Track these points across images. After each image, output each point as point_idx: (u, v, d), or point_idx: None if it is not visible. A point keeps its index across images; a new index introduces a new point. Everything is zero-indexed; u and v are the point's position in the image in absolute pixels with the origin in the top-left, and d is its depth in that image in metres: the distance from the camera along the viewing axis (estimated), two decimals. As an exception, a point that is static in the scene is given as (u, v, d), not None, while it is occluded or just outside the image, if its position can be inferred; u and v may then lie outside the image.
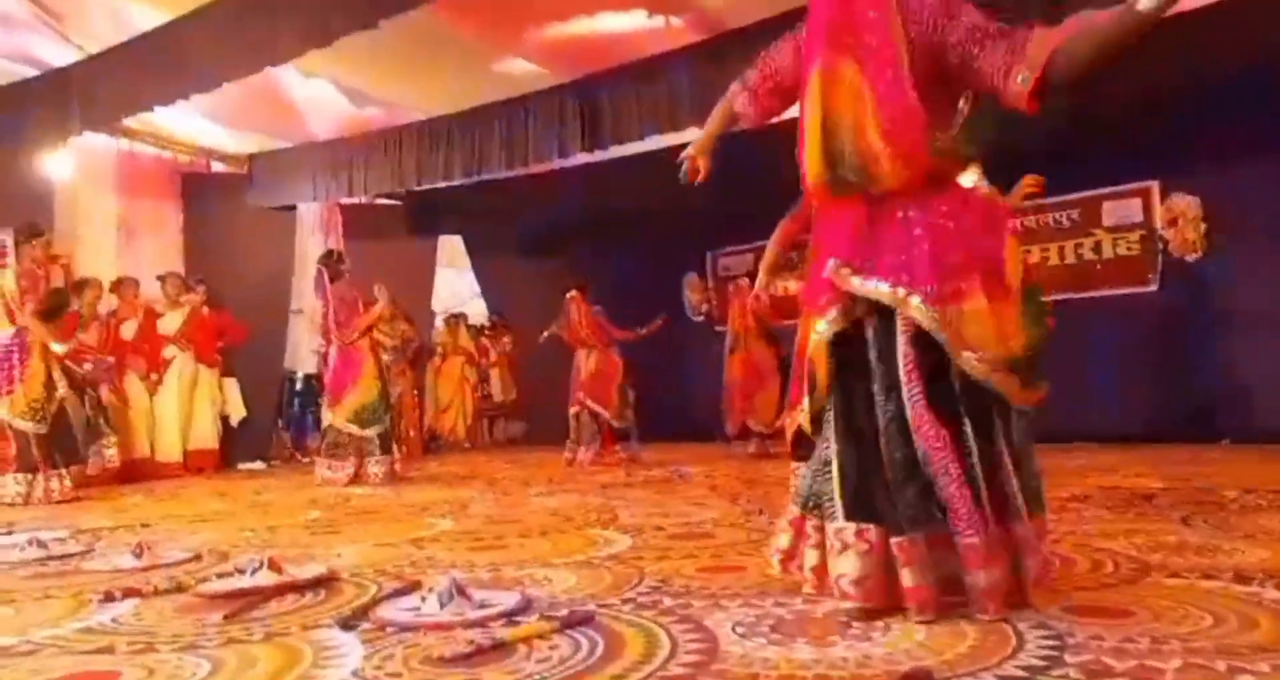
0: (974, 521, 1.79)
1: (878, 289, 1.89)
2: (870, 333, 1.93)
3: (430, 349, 9.90)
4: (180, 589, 2.40)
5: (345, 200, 9.60)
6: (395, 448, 6.30)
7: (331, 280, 6.10)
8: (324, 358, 8.80)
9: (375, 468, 5.98)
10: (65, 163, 7.23)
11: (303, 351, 9.35)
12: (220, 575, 2.56)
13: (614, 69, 6.17)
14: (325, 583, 2.42)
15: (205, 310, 7.59)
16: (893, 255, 1.90)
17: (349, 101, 7.38)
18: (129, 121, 7.62)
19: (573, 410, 7.09)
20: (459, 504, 4.39)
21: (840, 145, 1.89)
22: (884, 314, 1.90)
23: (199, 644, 1.86)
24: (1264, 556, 2.36)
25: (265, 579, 2.35)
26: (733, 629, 1.80)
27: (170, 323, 7.38)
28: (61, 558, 3.06)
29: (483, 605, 2.02)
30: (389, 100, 7.25)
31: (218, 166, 8.81)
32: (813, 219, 2.19)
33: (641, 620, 1.90)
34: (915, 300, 1.85)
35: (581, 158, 7.98)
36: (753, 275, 9.04)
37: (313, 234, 9.46)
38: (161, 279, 7.52)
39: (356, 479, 5.90)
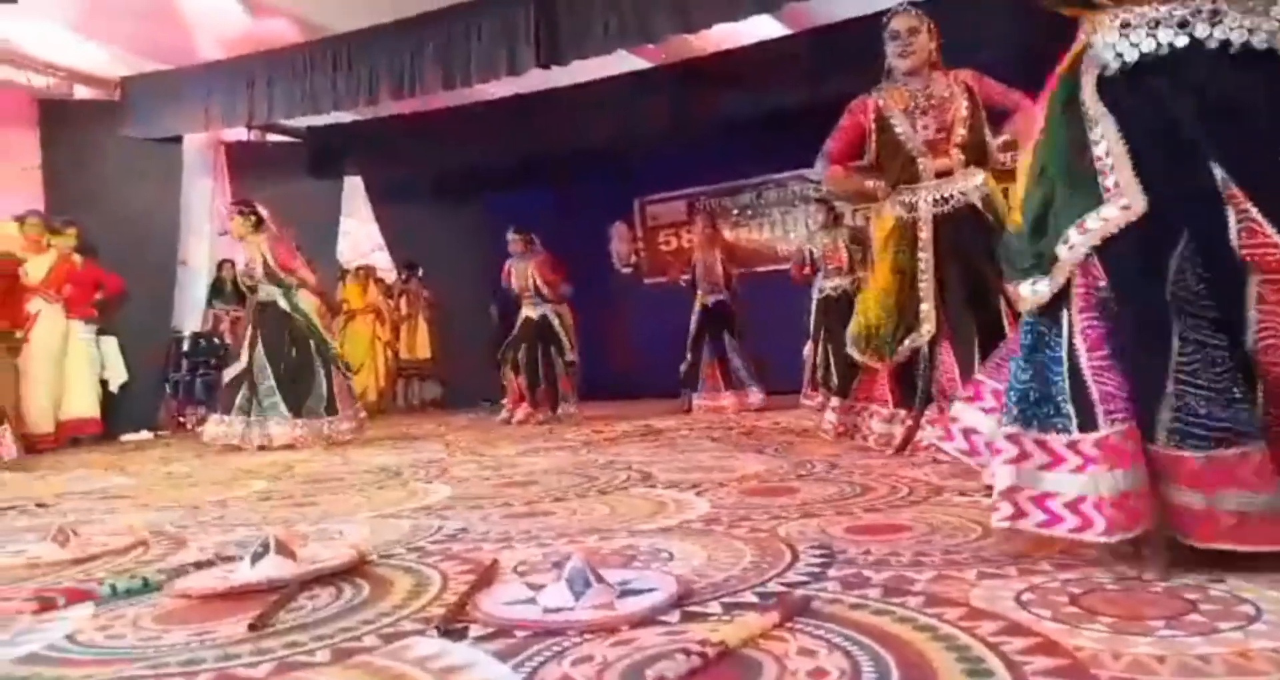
0: None
1: None
2: None
3: (336, 306, 8.94)
4: (149, 587, 1.71)
5: (230, 138, 8.53)
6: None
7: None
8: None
9: (301, 431, 5.24)
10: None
11: (189, 308, 8.29)
12: (197, 565, 1.87)
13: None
14: (359, 570, 1.77)
15: (77, 258, 6.50)
16: None
17: (246, 13, 6.38)
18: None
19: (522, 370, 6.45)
20: (433, 467, 3.73)
21: None
22: None
23: (234, 674, 1.22)
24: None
25: (279, 568, 1.68)
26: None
27: (34, 270, 6.26)
28: (-58, 551, 2.27)
29: (628, 591, 1.45)
30: (298, 12, 6.29)
31: (82, 92, 7.56)
32: None
33: (898, 608, 1.37)
34: None
35: (501, 90, 7.26)
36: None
37: (197, 176, 8.34)
38: (20, 220, 6.36)
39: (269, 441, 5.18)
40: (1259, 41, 1.39)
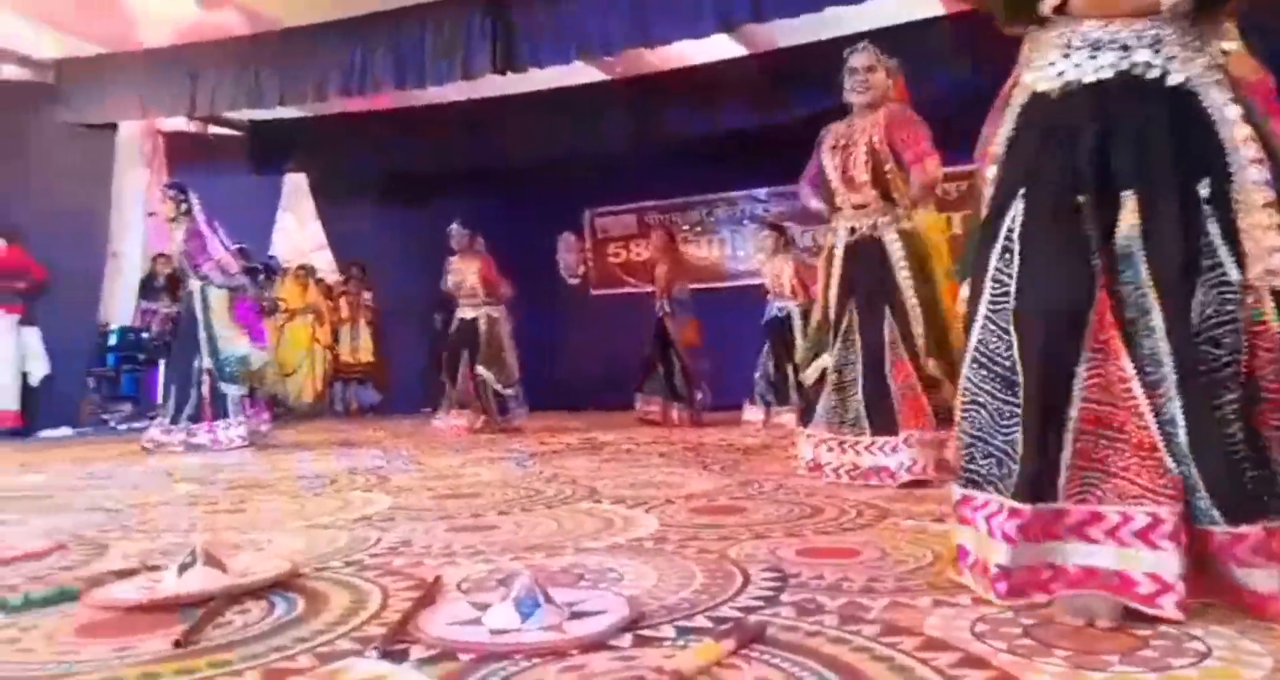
0: None
1: None
2: None
3: (272, 305, 8.70)
4: (66, 595, 1.60)
5: (170, 127, 8.26)
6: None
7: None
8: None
9: (231, 431, 5.09)
10: None
11: (119, 301, 7.99)
12: (120, 574, 1.77)
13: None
14: (292, 583, 1.69)
15: (1, 243, 6.21)
16: None
17: (196, 2, 6.19)
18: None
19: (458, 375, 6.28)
20: (372, 475, 3.63)
21: None
22: None
23: (156, 695, 1.14)
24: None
25: (206, 580, 1.60)
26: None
27: (-47, 256, 5.97)
28: None
29: (578, 613, 1.40)
30: (248, 5, 6.12)
31: (12, 72, 7.24)
32: None
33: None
34: None
35: (452, 95, 7.17)
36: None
37: (131, 165, 8.06)
38: (-60, 202, 6.06)
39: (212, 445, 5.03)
40: (1183, 78, 1.43)
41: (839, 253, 3.27)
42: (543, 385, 8.04)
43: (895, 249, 3.16)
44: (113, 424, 7.49)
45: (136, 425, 6.72)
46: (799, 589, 1.59)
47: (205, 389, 5.06)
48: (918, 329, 3.09)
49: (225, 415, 5.09)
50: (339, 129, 8.08)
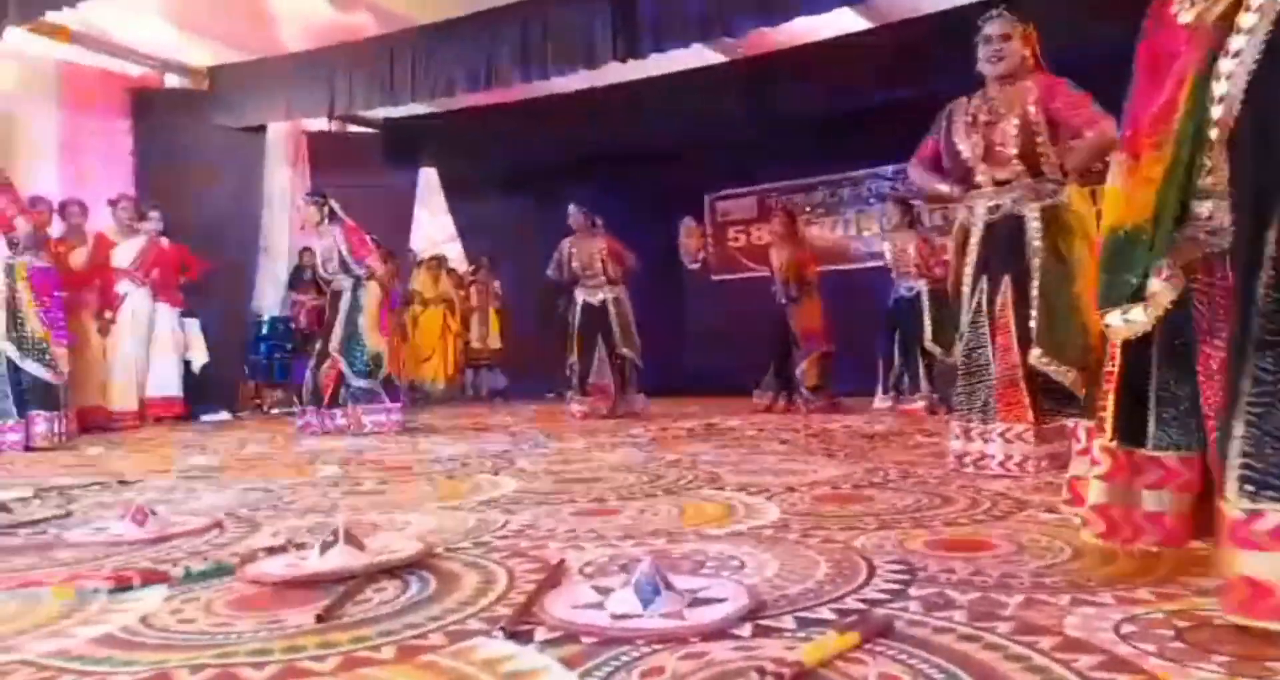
0: None
1: None
2: None
3: (409, 296, 9.08)
4: (223, 571, 1.73)
5: (313, 128, 8.72)
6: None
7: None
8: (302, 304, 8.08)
9: (370, 418, 5.36)
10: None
11: (269, 293, 8.51)
12: (270, 551, 1.88)
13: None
14: (424, 563, 1.76)
15: (164, 241, 6.71)
16: None
17: (331, 5, 6.49)
18: (74, 25, 6.64)
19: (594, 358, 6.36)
20: (500, 458, 3.74)
21: None
22: None
23: (302, 667, 1.21)
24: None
25: (346, 558, 1.69)
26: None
27: (124, 253, 6.49)
28: (32, 524, 2.34)
29: (698, 600, 1.40)
30: (379, 5, 6.37)
31: (172, 81, 7.80)
32: None
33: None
34: None
35: (573, 85, 7.24)
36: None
37: (278, 165, 8.55)
38: (113, 203, 6.59)
39: (349, 429, 5.33)
40: None
41: (977, 231, 3.11)
42: (665, 371, 8.08)
43: (1034, 227, 2.98)
44: (265, 408, 8.01)
45: (288, 410, 7.17)
46: (927, 583, 1.53)
47: (339, 378, 5.34)
48: (1034, 316, 2.92)
49: (365, 402, 5.35)
50: (464, 123, 8.32)
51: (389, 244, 8.04)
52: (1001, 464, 2.87)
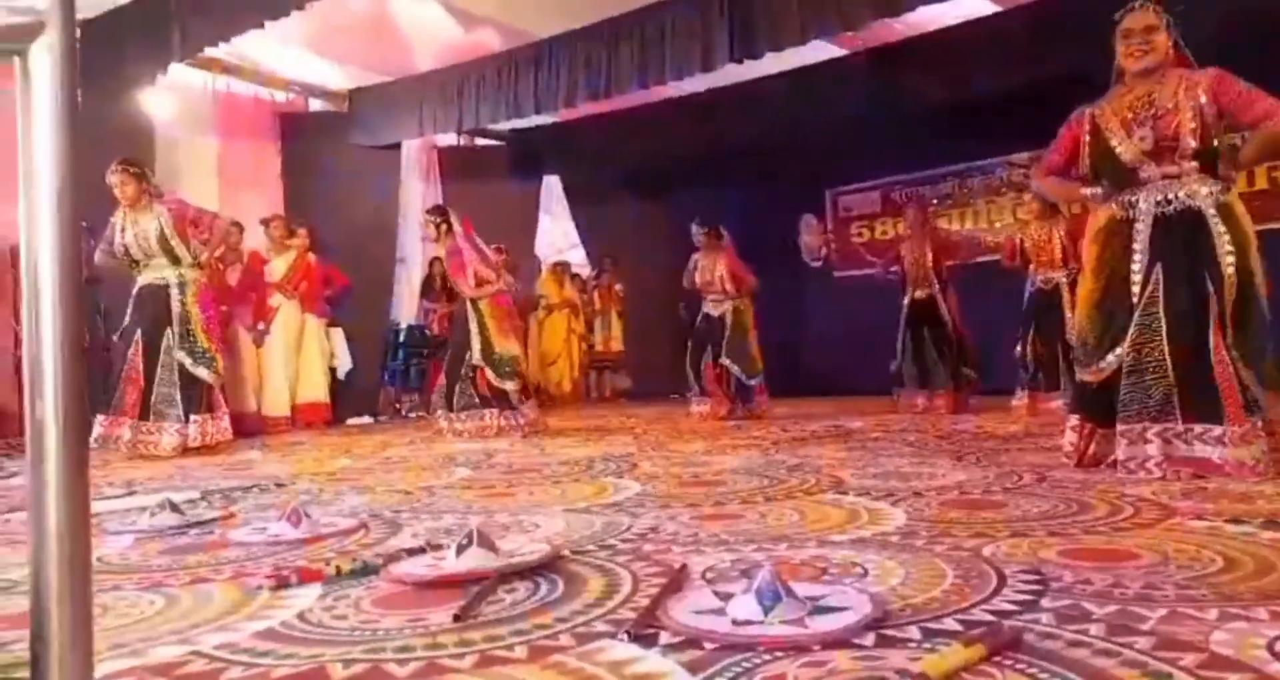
0: None
1: None
2: None
3: (534, 301, 9.35)
4: (369, 570, 1.85)
5: (443, 142, 9.09)
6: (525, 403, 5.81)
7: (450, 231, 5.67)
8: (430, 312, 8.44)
9: (504, 421, 5.56)
10: (165, 100, 6.82)
11: (405, 301, 8.93)
12: (410, 552, 2.00)
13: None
14: (553, 565, 1.83)
15: (312, 256, 7.15)
16: None
17: (458, 25, 6.76)
18: (227, 58, 7.17)
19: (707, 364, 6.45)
20: (624, 461, 3.82)
21: None
22: None
23: (441, 664, 1.29)
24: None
25: (480, 559, 1.77)
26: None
27: (275, 269, 6.96)
28: (200, 525, 2.56)
29: (820, 608, 1.41)
30: (502, 21, 6.60)
31: (315, 105, 8.31)
32: None
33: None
34: None
35: (690, 87, 7.27)
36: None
37: (412, 180, 8.96)
38: (265, 222, 7.08)
39: (482, 433, 5.52)
40: None
41: (1144, 223, 2.89)
42: (788, 371, 8.03)
43: (1216, 222, 2.80)
44: (404, 413, 8.41)
45: (424, 414, 7.50)
46: (1061, 594, 1.48)
47: (481, 385, 5.54)
48: (1230, 306, 2.73)
49: (498, 406, 5.55)
50: (585, 130, 8.49)
51: (515, 251, 8.33)
52: (1219, 468, 2.66)
